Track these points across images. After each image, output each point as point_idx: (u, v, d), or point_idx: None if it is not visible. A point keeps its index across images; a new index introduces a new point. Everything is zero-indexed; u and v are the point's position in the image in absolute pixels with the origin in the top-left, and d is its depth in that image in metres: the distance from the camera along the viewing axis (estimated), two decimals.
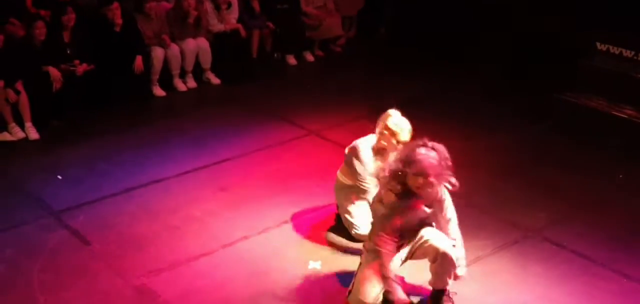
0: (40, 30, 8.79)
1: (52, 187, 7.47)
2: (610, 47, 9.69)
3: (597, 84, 9.64)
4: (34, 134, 8.64)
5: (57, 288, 5.85)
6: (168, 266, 6.13)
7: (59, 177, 7.66)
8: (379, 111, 6.31)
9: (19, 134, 8.62)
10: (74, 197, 7.22)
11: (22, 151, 8.41)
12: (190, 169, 7.82)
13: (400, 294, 5.25)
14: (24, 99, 8.60)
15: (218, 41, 10.67)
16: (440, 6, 11.74)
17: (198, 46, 10.40)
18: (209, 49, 10.50)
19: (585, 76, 9.81)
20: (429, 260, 5.46)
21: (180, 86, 10.30)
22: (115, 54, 9.46)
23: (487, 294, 5.81)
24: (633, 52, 9.48)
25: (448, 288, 5.53)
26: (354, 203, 6.38)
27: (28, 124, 8.66)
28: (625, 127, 9.08)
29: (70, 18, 9.06)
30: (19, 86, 8.58)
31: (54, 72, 8.80)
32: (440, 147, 5.23)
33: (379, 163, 6.05)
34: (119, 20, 9.55)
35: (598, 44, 9.79)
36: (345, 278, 5.96)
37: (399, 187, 5.23)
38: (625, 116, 9.26)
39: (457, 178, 5.69)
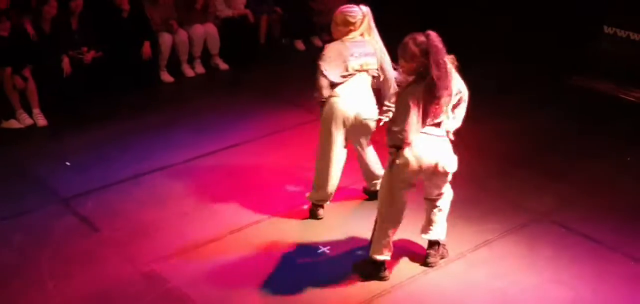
0: (51, 8, 8.76)
1: (61, 173, 7.48)
2: (618, 31, 9.67)
3: (605, 67, 9.62)
4: (42, 121, 8.66)
5: (66, 274, 5.86)
6: (177, 252, 6.14)
7: (67, 163, 7.68)
8: None
9: (27, 120, 8.63)
10: (82, 183, 7.23)
11: (30, 137, 8.42)
12: (198, 155, 7.83)
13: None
14: (31, 85, 8.61)
15: (226, 27, 10.66)
16: None
17: (206, 32, 10.39)
18: (217, 35, 10.49)
19: (593, 59, 9.80)
20: None
21: (188, 71, 10.30)
22: (123, 40, 9.47)
23: (496, 277, 5.81)
24: None
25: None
26: None
27: (36, 111, 8.68)
28: (633, 110, 9.06)
29: (77, 4, 9.06)
30: (27, 72, 8.59)
31: (64, 62, 8.81)
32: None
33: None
34: (127, 7, 9.55)
35: (605, 27, 9.76)
36: (357, 260, 5.97)
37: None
38: (634, 99, 9.25)
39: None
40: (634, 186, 7.24)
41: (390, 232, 5.67)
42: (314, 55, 11.19)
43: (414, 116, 5.29)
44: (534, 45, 10.42)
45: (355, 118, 6.30)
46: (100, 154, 7.87)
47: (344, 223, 6.56)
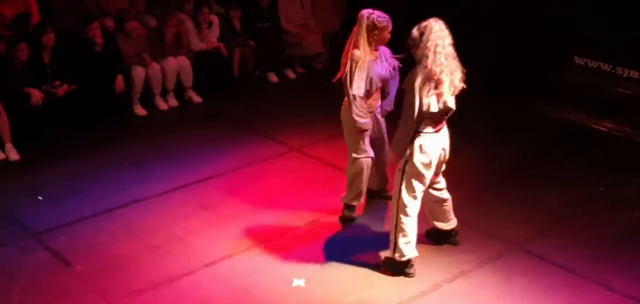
0: (22, 52, 8.73)
1: (33, 208, 7.41)
2: (589, 61, 9.77)
3: (577, 97, 9.71)
4: (14, 155, 8.57)
5: None
6: (150, 286, 6.08)
7: (40, 198, 7.61)
8: None
9: None
10: (55, 218, 7.16)
11: (2, 171, 8.33)
12: (171, 188, 7.78)
13: None
14: (4, 119, 8.54)
15: (199, 60, 10.65)
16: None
17: (179, 65, 10.37)
18: (190, 68, 10.47)
19: (564, 90, 9.89)
20: None
21: (162, 104, 10.27)
22: (96, 73, 9.42)
23: None
24: (611, 66, 9.57)
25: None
26: None
27: (8, 145, 8.59)
28: (605, 140, 9.14)
29: (49, 38, 9.01)
30: None
31: (34, 93, 8.74)
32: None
33: None
34: (100, 40, 9.51)
35: (576, 58, 9.87)
36: (330, 293, 5.94)
37: None
38: (605, 129, 9.34)
39: None
40: (607, 215, 7.28)
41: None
42: (287, 87, 11.37)
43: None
44: (505, 76, 10.50)
45: None
46: (73, 188, 7.80)
47: (320, 255, 6.53)
